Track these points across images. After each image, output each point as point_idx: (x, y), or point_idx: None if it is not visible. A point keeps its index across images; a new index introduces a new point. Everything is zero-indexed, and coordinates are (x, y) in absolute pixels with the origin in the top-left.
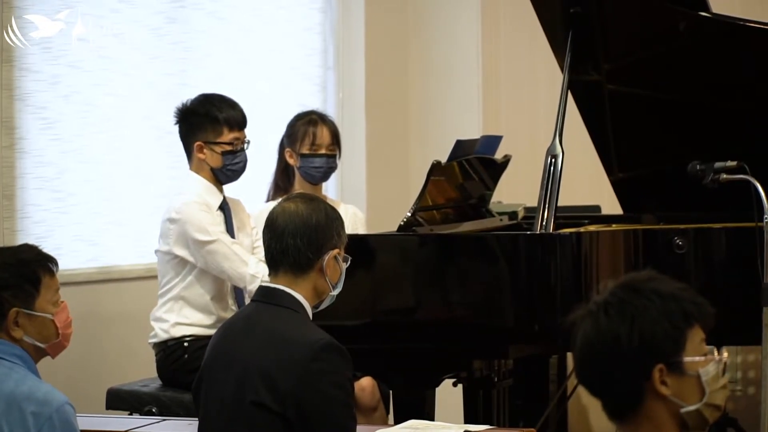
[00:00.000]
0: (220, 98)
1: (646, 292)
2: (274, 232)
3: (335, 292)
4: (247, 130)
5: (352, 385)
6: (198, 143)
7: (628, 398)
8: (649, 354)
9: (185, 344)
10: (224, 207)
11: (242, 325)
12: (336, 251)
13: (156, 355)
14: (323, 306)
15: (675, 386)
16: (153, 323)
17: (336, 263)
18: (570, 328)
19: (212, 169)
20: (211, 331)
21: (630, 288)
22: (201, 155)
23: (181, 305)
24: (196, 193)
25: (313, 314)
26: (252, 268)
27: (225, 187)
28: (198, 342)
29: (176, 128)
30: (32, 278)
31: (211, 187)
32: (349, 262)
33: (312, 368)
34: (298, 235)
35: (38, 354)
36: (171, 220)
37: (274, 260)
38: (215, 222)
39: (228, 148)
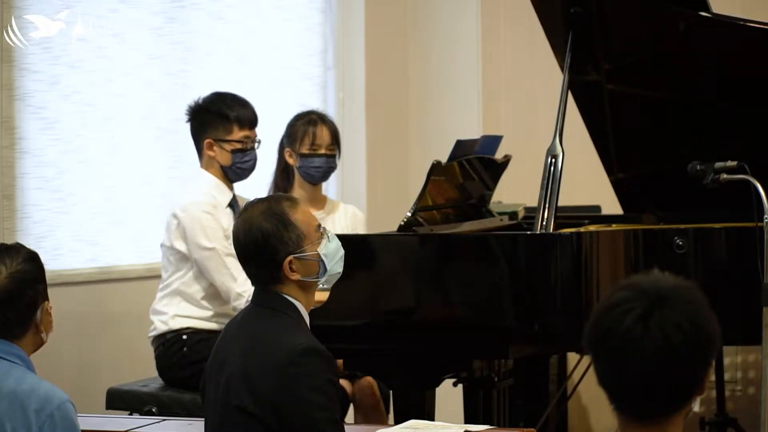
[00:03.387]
0: (232, 97)
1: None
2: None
3: (323, 280)
4: (255, 128)
5: (336, 389)
6: (208, 140)
7: (690, 394)
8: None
9: (184, 337)
10: (234, 205)
11: (236, 327)
12: (289, 258)
13: (155, 349)
14: (331, 283)
15: None
16: (152, 317)
17: (302, 261)
18: (624, 335)
19: (222, 167)
20: (209, 324)
21: (679, 288)
22: (211, 152)
23: (179, 299)
24: (206, 191)
25: (314, 314)
26: (240, 286)
27: (236, 184)
28: (196, 335)
29: (177, 128)
30: (44, 272)
31: (221, 185)
32: (327, 233)
33: (289, 373)
34: (246, 262)
35: (34, 349)
36: (175, 216)
37: (252, 281)
38: (218, 227)
39: (238, 146)
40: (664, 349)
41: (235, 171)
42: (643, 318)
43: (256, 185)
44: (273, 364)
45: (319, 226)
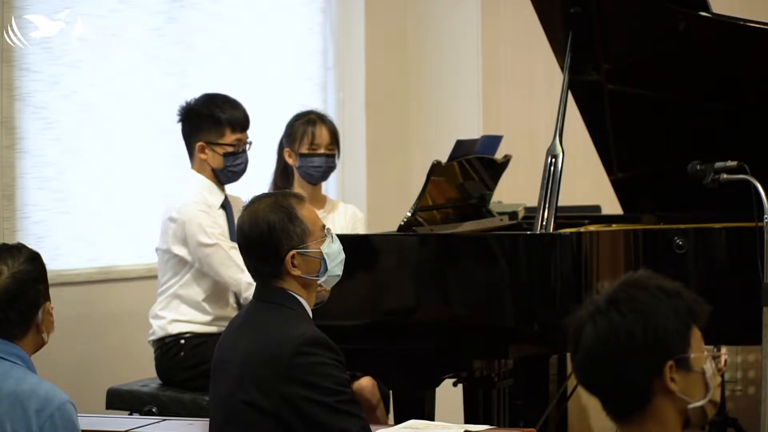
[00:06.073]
0: (224, 99)
1: (652, 289)
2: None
3: (322, 280)
4: (247, 131)
5: (345, 375)
6: (200, 143)
7: (638, 396)
8: (661, 351)
9: (182, 341)
10: (226, 206)
11: (240, 324)
12: (292, 253)
13: (154, 352)
14: (329, 285)
15: (682, 383)
16: (151, 321)
17: (304, 256)
18: (576, 328)
19: (213, 170)
20: (208, 329)
21: (637, 286)
22: (203, 155)
23: (177, 303)
24: (197, 193)
25: (314, 314)
26: (248, 276)
27: (227, 185)
28: (195, 340)
29: (176, 128)
30: (46, 272)
31: (213, 187)
32: (331, 234)
33: (295, 363)
34: (249, 254)
35: (34, 349)
36: (171, 219)
37: (253, 274)
38: (215, 224)
39: (230, 149)
40: (604, 347)
41: (226, 174)
42: (592, 317)
43: (248, 185)
44: (278, 356)
45: (324, 226)
